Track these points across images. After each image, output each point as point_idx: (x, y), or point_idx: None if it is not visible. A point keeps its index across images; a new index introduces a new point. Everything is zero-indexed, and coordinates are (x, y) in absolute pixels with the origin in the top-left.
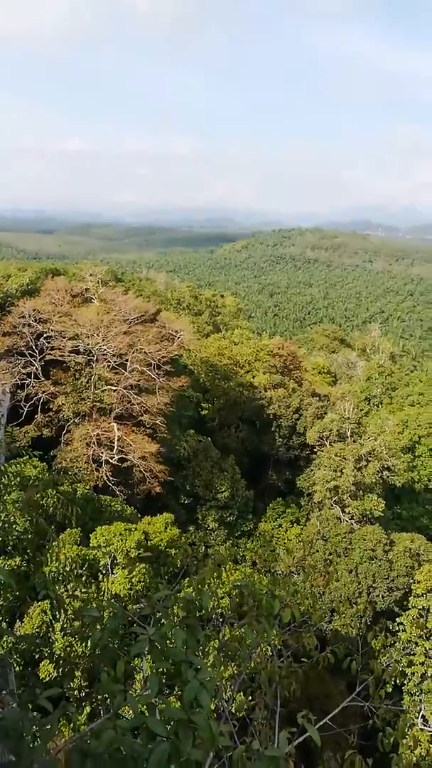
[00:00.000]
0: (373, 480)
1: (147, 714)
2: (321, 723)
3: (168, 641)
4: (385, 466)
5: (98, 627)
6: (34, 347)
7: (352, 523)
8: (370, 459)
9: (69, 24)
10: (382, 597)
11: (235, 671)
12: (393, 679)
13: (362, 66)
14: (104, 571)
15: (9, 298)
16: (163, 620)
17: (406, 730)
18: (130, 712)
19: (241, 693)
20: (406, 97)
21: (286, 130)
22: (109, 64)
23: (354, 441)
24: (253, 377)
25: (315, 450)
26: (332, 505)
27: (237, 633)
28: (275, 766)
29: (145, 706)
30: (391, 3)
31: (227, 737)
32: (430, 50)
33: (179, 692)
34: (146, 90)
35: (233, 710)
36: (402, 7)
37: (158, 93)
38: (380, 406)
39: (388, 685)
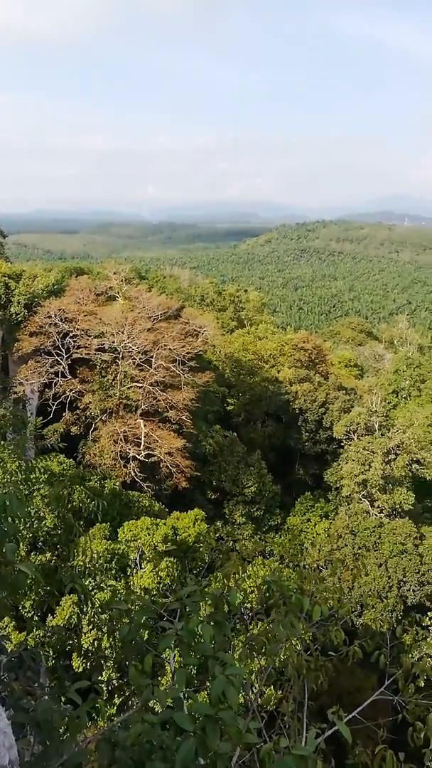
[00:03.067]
0: (403, 473)
1: (175, 708)
2: (349, 717)
3: (196, 636)
4: (415, 459)
5: (126, 620)
6: (60, 346)
7: (381, 517)
8: (398, 452)
9: (90, 21)
10: (413, 591)
11: (263, 664)
12: (424, 673)
13: (389, 51)
14: (132, 566)
15: (35, 299)
16: (190, 615)
17: None
18: (159, 706)
19: (271, 687)
20: (428, 84)
21: (308, 121)
22: (129, 54)
23: (382, 434)
24: (278, 372)
25: (342, 444)
26: (361, 499)
27: (264, 626)
28: (302, 764)
29: (172, 701)
30: None
31: (254, 733)
32: None
33: (208, 687)
34: (167, 81)
35: (261, 703)
36: None
37: (179, 83)
38: (409, 398)
39: (420, 680)
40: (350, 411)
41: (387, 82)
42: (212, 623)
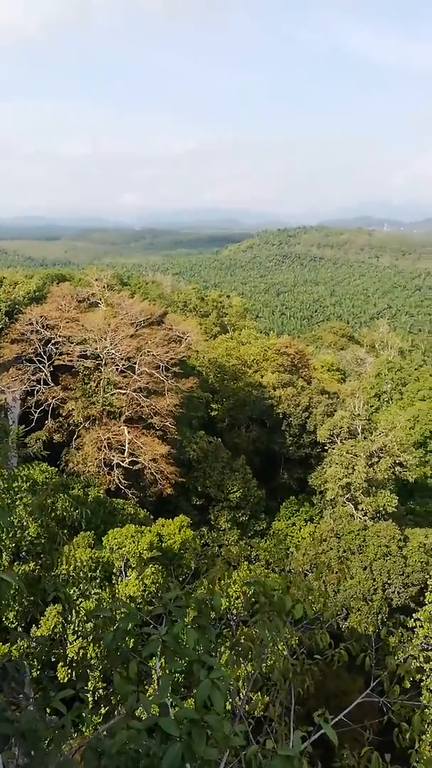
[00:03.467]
0: (386, 476)
1: (160, 714)
2: (335, 720)
3: (180, 641)
4: (397, 461)
5: (110, 628)
6: (42, 353)
7: (365, 520)
8: (381, 455)
9: (70, 18)
10: (398, 593)
11: (250, 670)
12: (409, 675)
13: (360, 61)
14: (118, 574)
15: (17, 306)
16: (175, 620)
17: (426, 727)
18: (145, 713)
19: (259, 693)
20: (403, 91)
21: (286, 128)
22: (108, 53)
23: (365, 437)
24: (262, 377)
25: (326, 448)
26: (345, 503)
27: (250, 631)
28: (289, 765)
29: (158, 707)
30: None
31: (241, 737)
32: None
33: (194, 693)
34: (164, 81)
35: (248, 709)
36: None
37: (170, 83)
38: (391, 401)
39: (406, 682)
40: (333, 415)
41: (356, 91)
42: (196, 627)
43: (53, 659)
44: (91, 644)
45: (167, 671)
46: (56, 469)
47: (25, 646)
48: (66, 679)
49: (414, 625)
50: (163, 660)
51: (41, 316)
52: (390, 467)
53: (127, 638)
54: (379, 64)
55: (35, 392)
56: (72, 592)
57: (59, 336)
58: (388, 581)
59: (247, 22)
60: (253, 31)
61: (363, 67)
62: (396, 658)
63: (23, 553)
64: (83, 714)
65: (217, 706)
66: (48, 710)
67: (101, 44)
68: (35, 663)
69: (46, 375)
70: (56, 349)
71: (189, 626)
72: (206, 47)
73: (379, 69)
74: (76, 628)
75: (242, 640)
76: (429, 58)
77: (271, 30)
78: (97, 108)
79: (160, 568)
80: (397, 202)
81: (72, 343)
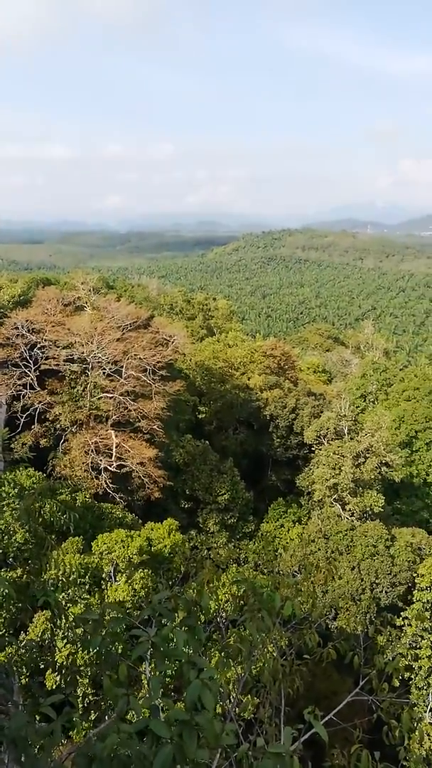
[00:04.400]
0: (372, 476)
1: (151, 716)
2: (326, 719)
3: (169, 643)
4: (383, 461)
5: (100, 632)
6: (28, 358)
7: (352, 520)
8: (368, 455)
9: (33, 27)
10: (386, 593)
11: (240, 672)
12: (398, 673)
13: (339, 63)
14: (107, 579)
15: (2, 310)
16: (164, 622)
17: (415, 725)
18: (136, 716)
19: (249, 695)
20: (382, 94)
21: (267, 131)
22: (75, 65)
23: (351, 438)
24: (249, 379)
25: (313, 449)
26: (332, 503)
27: (240, 632)
28: (279, 762)
29: (148, 709)
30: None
31: (232, 736)
32: (406, 47)
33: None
34: (117, 91)
35: (239, 712)
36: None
37: (130, 94)
38: (376, 402)
39: (395, 680)
40: (320, 416)
41: (338, 94)
42: (185, 628)
43: (42, 666)
44: (80, 650)
45: (157, 673)
46: (43, 473)
47: (14, 652)
48: (55, 686)
49: (402, 623)
50: (153, 663)
51: (27, 320)
52: (376, 467)
53: (116, 642)
54: (357, 71)
55: (21, 397)
56: (61, 597)
57: (45, 340)
58: (376, 581)
59: (233, 29)
60: (241, 39)
61: (342, 75)
62: (384, 656)
63: (10, 559)
64: (73, 719)
65: (207, 706)
66: (38, 717)
67: (75, 56)
68: (24, 670)
69: (32, 379)
70: (42, 353)
71: (178, 627)
72: (154, 56)
73: (355, 76)
74: (65, 634)
75: (232, 642)
76: (409, 64)
77: (260, 37)
78: (68, 114)
79: (150, 572)
80: (380, 204)
81: (58, 347)
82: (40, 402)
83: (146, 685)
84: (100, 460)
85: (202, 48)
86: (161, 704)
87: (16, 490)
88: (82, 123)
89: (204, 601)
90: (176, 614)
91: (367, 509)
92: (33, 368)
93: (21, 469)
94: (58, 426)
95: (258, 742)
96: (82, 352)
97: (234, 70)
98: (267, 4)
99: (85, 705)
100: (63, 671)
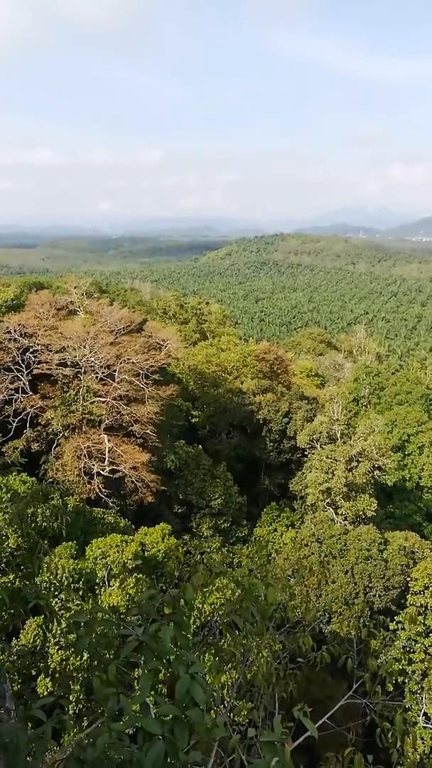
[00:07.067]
0: (365, 480)
1: (141, 715)
2: (320, 722)
3: (158, 641)
4: (376, 465)
5: (89, 634)
6: (20, 362)
7: (345, 524)
8: (360, 459)
9: (20, 34)
10: (379, 596)
11: (235, 676)
12: (392, 676)
13: (327, 68)
14: (101, 584)
15: None
16: (151, 620)
17: (408, 728)
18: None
19: (243, 701)
20: (370, 99)
21: (258, 136)
22: (62, 71)
23: (344, 442)
24: (242, 383)
25: (306, 453)
26: (325, 507)
27: (233, 635)
28: (271, 751)
29: (139, 707)
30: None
31: (222, 728)
32: (388, 54)
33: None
34: (105, 97)
35: (233, 716)
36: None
37: (118, 100)
38: (369, 406)
39: (389, 684)
40: (313, 420)
41: (328, 100)
42: (173, 624)
43: (34, 672)
44: (73, 656)
45: (147, 670)
46: (35, 478)
47: (6, 658)
48: (46, 692)
49: (396, 627)
50: (144, 665)
51: (19, 325)
52: (369, 471)
53: (106, 645)
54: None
55: (13, 401)
56: (54, 602)
57: (38, 344)
58: (370, 584)
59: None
60: (229, 44)
61: (331, 82)
62: (378, 660)
63: (2, 565)
64: (65, 723)
65: (197, 699)
66: (30, 723)
67: (62, 62)
68: (16, 676)
69: (24, 384)
70: (35, 357)
71: (165, 624)
72: (138, 62)
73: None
74: (57, 640)
75: (226, 646)
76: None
77: (248, 42)
78: (56, 120)
79: (144, 577)
80: (371, 209)
81: (51, 351)
82: (32, 406)
83: (135, 683)
84: (93, 465)
85: (189, 52)
86: (152, 704)
87: (8, 495)
88: (71, 129)
89: (187, 593)
90: (162, 612)
91: (360, 513)
92: (25, 372)
93: (13, 474)
94: (51, 430)
95: (249, 732)
96: (75, 356)
97: (222, 75)
98: (253, 8)
99: (78, 711)
100: (55, 676)
